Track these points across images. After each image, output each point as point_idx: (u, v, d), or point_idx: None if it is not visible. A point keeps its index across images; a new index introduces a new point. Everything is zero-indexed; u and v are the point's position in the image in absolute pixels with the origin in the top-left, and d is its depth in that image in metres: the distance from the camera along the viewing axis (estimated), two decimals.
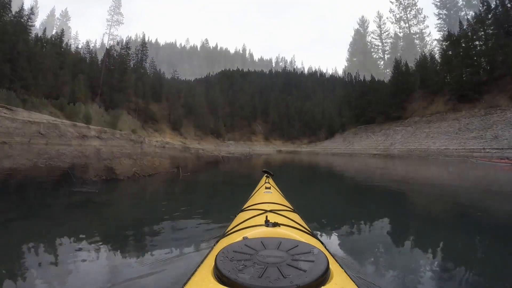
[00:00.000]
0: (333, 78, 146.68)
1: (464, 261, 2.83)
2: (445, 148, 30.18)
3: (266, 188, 2.84)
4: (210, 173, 13.34)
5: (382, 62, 47.77)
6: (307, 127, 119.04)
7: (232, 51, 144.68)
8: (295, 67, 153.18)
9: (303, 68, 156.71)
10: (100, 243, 2.89)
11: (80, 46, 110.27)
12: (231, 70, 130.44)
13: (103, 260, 2.47)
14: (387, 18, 54.52)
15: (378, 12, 50.55)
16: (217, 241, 1.53)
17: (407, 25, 45.45)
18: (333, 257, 1.18)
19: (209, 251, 1.41)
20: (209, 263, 1.05)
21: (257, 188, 3.16)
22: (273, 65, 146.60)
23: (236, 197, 5.58)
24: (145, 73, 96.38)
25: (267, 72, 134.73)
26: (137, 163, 9.56)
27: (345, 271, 1.06)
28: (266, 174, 3.74)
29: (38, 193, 6.21)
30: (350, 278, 1.02)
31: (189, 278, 1.04)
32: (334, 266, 0.99)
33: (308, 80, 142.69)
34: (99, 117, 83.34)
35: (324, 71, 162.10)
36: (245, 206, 2.24)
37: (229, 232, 1.55)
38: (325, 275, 0.88)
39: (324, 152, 46.00)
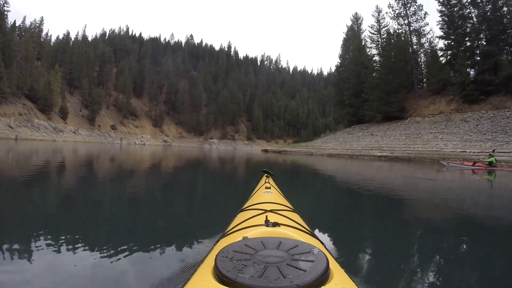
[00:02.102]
0: (319, 78, 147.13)
1: (464, 261, 2.93)
2: (462, 151, 28.28)
3: (266, 188, 2.79)
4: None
5: (379, 58, 46.10)
6: (291, 126, 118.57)
7: (217, 47, 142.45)
8: (280, 66, 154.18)
9: (288, 67, 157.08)
10: (98, 243, 2.85)
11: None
12: (215, 67, 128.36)
13: (101, 261, 2.42)
14: (386, 12, 53.91)
15: (377, 6, 49.67)
16: (217, 241, 1.54)
17: (406, 21, 44.47)
18: (333, 257, 1.20)
19: (209, 251, 1.44)
20: (209, 263, 1.06)
21: (257, 188, 3.10)
22: (258, 63, 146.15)
23: (236, 197, 5.92)
24: None
25: (252, 70, 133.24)
26: None
27: (345, 271, 1.09)
28: (266, 174, 3.61)
29: None
30: (350, 278, 1.05)
31: (189, 278, 1.06)
32: (334, 266, 1.01)
33: (293, 79, 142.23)
34: (77, 111, 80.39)
35: (310, 71, 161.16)
36: (245, 206, 2.22)
37: (229, 232, 1.56)
38: (325, 275, 0.90)
39: (319, 153, 42.38)
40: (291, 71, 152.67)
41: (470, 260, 2.95)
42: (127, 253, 2.61)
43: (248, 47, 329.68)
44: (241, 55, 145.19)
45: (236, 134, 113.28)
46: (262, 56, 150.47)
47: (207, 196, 6.71)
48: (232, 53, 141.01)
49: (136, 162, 15.74)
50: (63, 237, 2.91)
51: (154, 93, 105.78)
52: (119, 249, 2.70)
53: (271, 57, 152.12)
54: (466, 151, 28.05)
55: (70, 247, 2.65)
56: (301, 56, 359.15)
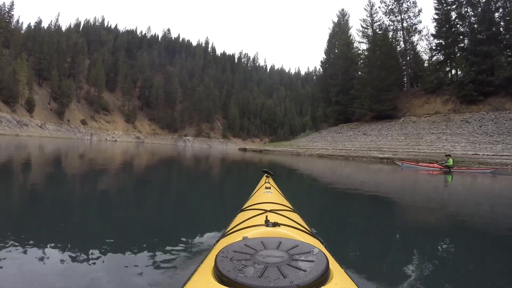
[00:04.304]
0: (296, 77, 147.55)
1: (463, 261, 3.01)
2: (474, 154, 26.12)
3: (266, 188, 2.79)
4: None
5: (371, 53, 44.48)
6: (268, 125, 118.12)
7: (194, 43, 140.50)
8: (257, 64, 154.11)
9: (266, 65, 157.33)
10: (98, 243, 2.86)
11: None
12: (191, 62, 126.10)
13: (101, 261, 2.44)
14: (379, 7, 52.70)
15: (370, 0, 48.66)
16: (217, 241, 1.56)
17: (399, 18, 43.55)
18: (333, 257, 1.22)
19: (209, 251, 1.45)
20: (209, 263, 1.08)
21: (257, 188, 3.12)
22: (236, 60, 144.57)
23: (236, 197, 5.91)
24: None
25: (229, 67, 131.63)
26: None
27: (345, 271, 1.11)
28: (266, 174, 3.57)
29: None
30: (350, 278, 1.06)
31: (189, 278, 1.07)
32: (334, 266, 1.02)
33: (270, 77, 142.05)
34: (45, 104, 76.87)
35: (287, 70, 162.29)
36: (245, 206, 2.24)
37: (229, 232, 1.58)
38: (325, 275, 0.91)
39: (308, 153, 38.82)
40: (268, 70, 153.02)
41: (468, 260, 3.05)
42: (127, 253, 2.63)
43: (225, 44, 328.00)
44: (218, 51, 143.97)
45: (211, 132, 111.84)
46: (240, 53, 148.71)
47: (207, 196, 6.77)
48: (209, 49, 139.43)
49: (121, 161, 15.09)
50: (68, 241, 2.81)
51: (128, 87, 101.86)
52: (120, 249, 2.72)
53: (248, 55, 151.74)
54: (478, 154, 26.71)
55: (67, 248, 2.60)
56: (278, 55, 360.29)
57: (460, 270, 2.77)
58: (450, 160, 18.40)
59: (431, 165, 19.38)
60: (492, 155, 25.86)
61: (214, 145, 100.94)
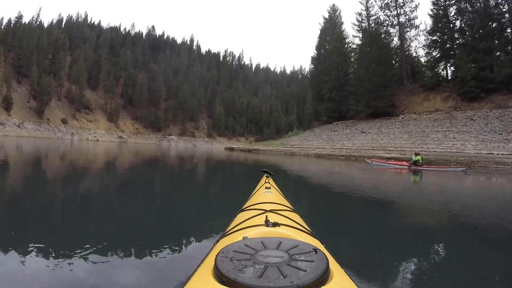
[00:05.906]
0: (282, 76, 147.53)
1: (464, 262, 3.00)
2: (488, 153, 24.76)
3: (266, 188, 2.79)
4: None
5: (367, 49, 43.10)
6: (253, 124, 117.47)
7: (179, 40, 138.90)
8: (243, 62, 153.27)
9: (251, 64, 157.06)
10: (98, 243, 2.85)
11: None
12: (176, 60, 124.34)
13: (102, 261, 2.44)
14: (374, 1, 51.46)
15: None
16: (217, 241, 1.57)
17: (395, 12, 42.43)
18: (333, 257, 1.22)
19: (209, 251, 1.46)
20: (209, 263, 1.08)
21: (257, 188, 3.12)
22: (221, 58, 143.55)
23: (236, 197, 5.89)
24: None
25: (214, 65, 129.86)
26: None
27: (345, 271, 1.11)
28: (266, 174, 3.57)
29: None
30: (350, 278, 1.06)
31: (189, 278, 1.07)
32: (334, 266, 1.02)
33: (256, 76, 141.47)
34: (24, 102, 74.59)
35: (273, 68, 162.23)
36: (245, 206, 2.25)
37: (229, 232, 1.59)
38: (325, 275, 0.91)
39: (303, 153, 36.34)
40: (253, 68, 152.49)
41: (468, 260, 3.03)
42: (127, 253, 2.66)
43: (211, 42, 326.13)
44: (203, 49, 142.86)
45: (196, 131, 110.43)
46: (225, 51, 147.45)
47: (207, 196, 6.81)
48: (194, 47, 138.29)
49: (106, 163, 14.56)
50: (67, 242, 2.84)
51: (110, 85, 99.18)
52: (119, 249, 2.73)
53: (234, 53, 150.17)
54: (493, 153, 25.55)
55: (67, 249, 2.62)
56: (264, 54, 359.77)
57: (460, 270, 2.77)
58: (418, 157, 18.02)
59: (399, 163, 19.22)
60: (508, 154, 25.02)
61: (199, 144, 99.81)
